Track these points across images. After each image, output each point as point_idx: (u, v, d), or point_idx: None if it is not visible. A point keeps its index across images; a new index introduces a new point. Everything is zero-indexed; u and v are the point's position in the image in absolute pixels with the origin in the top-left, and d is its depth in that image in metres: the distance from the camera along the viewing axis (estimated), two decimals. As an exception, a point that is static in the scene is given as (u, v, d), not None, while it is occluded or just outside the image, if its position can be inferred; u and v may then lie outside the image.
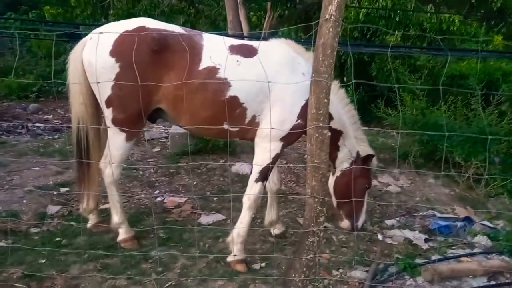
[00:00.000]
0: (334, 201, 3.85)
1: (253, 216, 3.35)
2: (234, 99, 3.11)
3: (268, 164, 3.20)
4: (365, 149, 3.77)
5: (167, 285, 2.99)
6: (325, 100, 2.58)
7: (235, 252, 3.24)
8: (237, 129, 3.23)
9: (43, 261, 3.14)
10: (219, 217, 4.15)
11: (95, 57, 2.97)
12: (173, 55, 3.05)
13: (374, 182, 5.18)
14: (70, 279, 2.96)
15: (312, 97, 2.60)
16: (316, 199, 2.64)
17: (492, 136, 4.42)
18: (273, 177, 3.70)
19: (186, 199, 4.48)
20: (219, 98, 3.08)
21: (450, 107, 5.82)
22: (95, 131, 3.36)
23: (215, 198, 4.55)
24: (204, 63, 3.09)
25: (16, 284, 2.84)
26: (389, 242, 3.84)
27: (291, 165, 5.65)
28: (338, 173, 3.74)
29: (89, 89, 3.20)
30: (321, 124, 2.59)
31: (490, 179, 4.78)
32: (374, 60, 8.72)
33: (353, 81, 2.53)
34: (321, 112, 2.58)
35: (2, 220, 3.60)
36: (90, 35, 3.16)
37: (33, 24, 12.42)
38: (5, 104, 8.99)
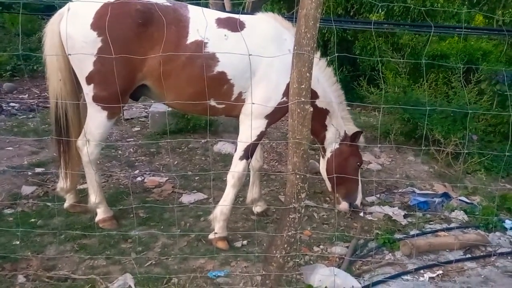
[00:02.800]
0: (329, 184, 3.83)
1: (236, 194, 3.32)
2: (222, 75, 3.04)
3: (253, 141, 3.16)
4: (351, 128, 3.78)
5: (147, 264, 2.96)
6: (307, 74, 2.51)
7: (217, 229, 3.22)
8: (224, 105, 3.17)
9: (18, 242, 3.04)
10: (200, 196, 4.11)
11: (74, 30, 2.81)
12: (158, 29, 2.89)
13: (356, 160, 5.22)
14: (46, 260, 2.89)
15: (294, 71, 2.52)
16: (298, 176, 2.61)
17: (472, 111, 4.47)
18: (256, 154, 3.66)
19: (167, 178, 4.41)
20: (207, 74, 2.98)
21: (431, 85, 5.86)
22: (75, 109, 3.20)
23: (196, 178, 4.49)
24: (192, 37, 2.97)
25: (-11, 266, 2.75)
26: (369, 218, 3.90)
27: (274, 143, 5.63)
28: (328, 154, 3.74)
29: (67, 64, 3.02)
30: (303, 99, 2.53)
31: (468, 156, 4.87)
32: (357, 38, 8.66)
33: (336, 54, 2.47)
34: (303, 86, 2.51)
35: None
36: (68, 5, 2.95)
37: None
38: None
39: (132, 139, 5.44)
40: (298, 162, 2.62)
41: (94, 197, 3.32)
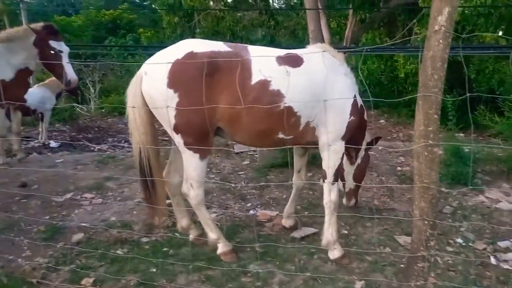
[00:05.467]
0: (351, 185, 4.29)
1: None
2: (289, 109, 3.20)
3: (339, 164, 3.53)
4: (367, 135, 4.16)
5: (267, 300, 3.05)
6: (435, 116, 2.43)
7: (337, 253, 3.56)
8: (292, 136, 3.37)
9: (154, 270, 3.40)
10: (311, 231, 4.13)
11: (155, 91, 3.16)
12: (224, 75, 3.11)
13: (481, 198, 4.73)
14: (179, 288, 3.17)
15: (420, 113, 2.46)
16: (426, 222, 2.49)
17: None
18: (302, 175, 4.06)
19: (277, 212, 4.54)
20: (274, 110, 3.16)
21: None
22: (156, 156, 3.48)
23: (305, 213, 4.53)
24: (255, 78, 3.15)
25: (133, 291, 3.12)
26: (505, 267, 3.45)
27: (383, 177, 5.41)
28: (359, 160, 4.19)
29: (149, 119, 3.34)
30: (430, 142, 2.44)
31: None
32: (471, 61, 7.98)
33: (468, 94, 2.33)
34: (430, 129, 2.43)
35: (118, 230, 4.02)
36: (144, 69, 3.27)
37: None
38: (109, 120, 10.05)
39: (242, 172, 5.76)
40: (426, 208, 2.51)
41: (212, 234, 3.56)
